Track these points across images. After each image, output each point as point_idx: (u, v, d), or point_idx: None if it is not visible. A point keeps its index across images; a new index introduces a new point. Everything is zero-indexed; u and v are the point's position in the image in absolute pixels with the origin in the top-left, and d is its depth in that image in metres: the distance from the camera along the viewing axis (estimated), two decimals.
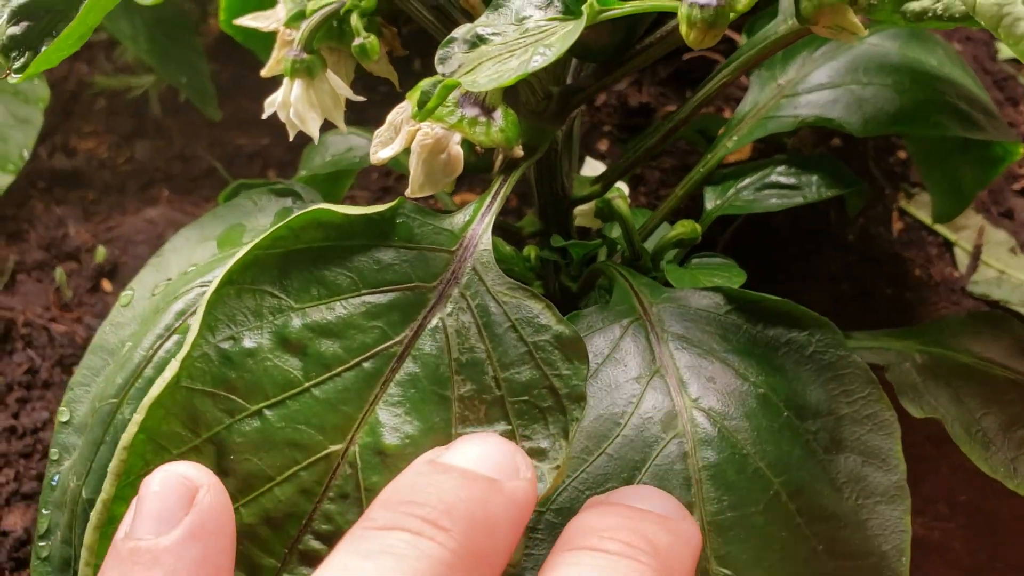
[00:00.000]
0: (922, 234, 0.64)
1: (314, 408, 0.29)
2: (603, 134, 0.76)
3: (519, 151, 0.38)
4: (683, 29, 0.32)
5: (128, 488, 0.27)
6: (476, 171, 0.37)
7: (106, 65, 0.90)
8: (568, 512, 0.31)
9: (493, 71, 0.31)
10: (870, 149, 0.64)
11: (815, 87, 0.46)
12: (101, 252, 0.70)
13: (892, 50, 0.47)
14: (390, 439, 0.29)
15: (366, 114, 0.53)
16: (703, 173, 0.47)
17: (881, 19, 0.37)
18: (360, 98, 0.39)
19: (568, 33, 0.31)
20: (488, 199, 0.35)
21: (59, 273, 0.69)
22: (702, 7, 0.31)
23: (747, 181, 0.48)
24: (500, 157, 0.37)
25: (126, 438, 0.27)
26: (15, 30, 0.34)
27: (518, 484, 0.27)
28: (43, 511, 0.39)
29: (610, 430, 0.33)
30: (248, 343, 0.29)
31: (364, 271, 0.31)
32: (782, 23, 0.41)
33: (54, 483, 0.39)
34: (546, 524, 0.32)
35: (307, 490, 0.28)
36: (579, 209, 0.49)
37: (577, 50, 0.39)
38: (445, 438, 0.29)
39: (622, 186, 0.48)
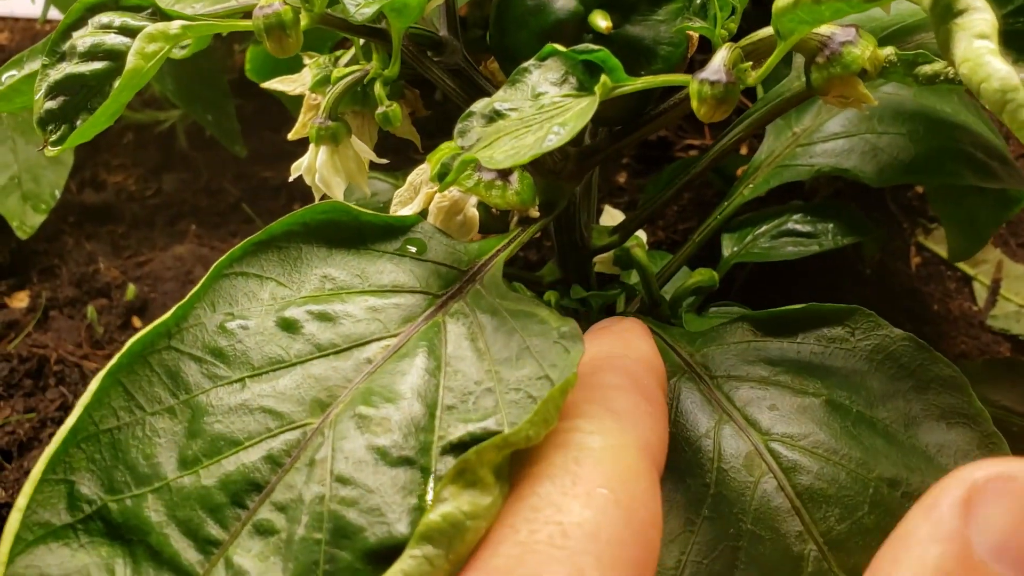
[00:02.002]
0: (940, 268, 0.64)
1: (298, 383, 0.28)
2: (622, 167, 0.77)
3: (535, 212, 0.39)
4: (694, 104, 0.32)
5: (85, 442, 0.26)
6: (493, 231, 0.38)
7: (134, 99, 0.92)
8: None
9: (510, 147, 0.32)
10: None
11: (830, 136, 0.47)
12: (131, 290, 0.72)
13: (907, 98, 0.47)
14: (370, 413, 0.28)
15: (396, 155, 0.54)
16: (720, 220, 0.48)
17: (895, 80, 0.37)
18: (384, 160, 0.40)
19: (582, 111, 0.31)
20: (505, 241, 0.36)
21: (90, 311, 0.71)
22: (712, 84, 0.32)
23: (763, 228, 0.48)
24: (515, 218, 0.38)
25: (95, 383, 0.27)
26: (52, 104, 0.35)
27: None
28: None
29: (702, 493, 0.33)
30: (246, 321, 0.29)
31: (373, 272, 0.32)
32: (795, 79, 0.42)
33: None
34: None
35: (274, 458, 0.27)
36: (598, 256, 0.50)
37: (593, 118, 0.40)
38: (428, 421, 0.28)
39: (641, 234, 0.48)
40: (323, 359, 0.29)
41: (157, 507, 0.26)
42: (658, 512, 0.25)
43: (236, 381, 0.28)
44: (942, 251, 0.64)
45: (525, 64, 0.34)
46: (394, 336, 0.30)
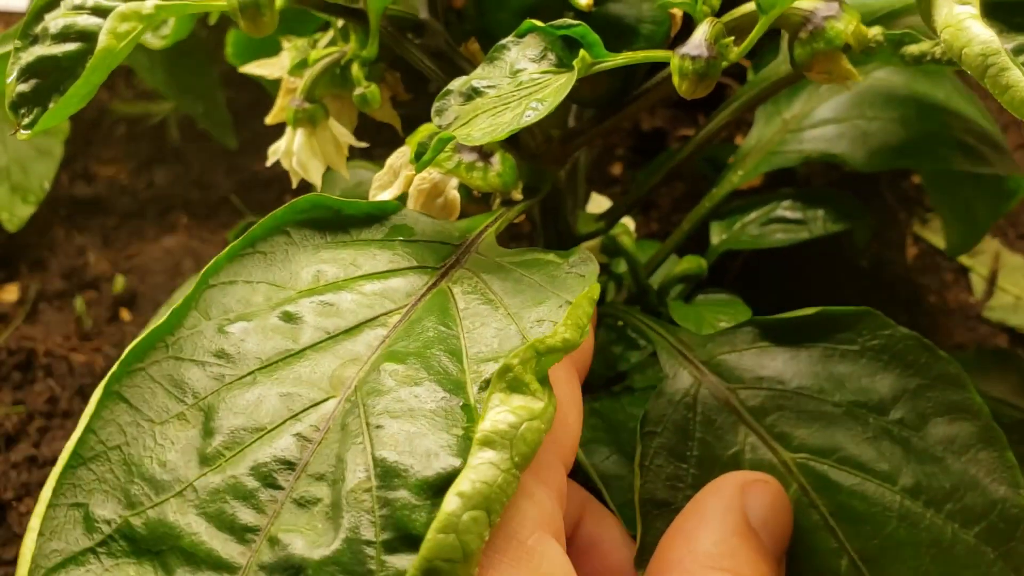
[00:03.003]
0: (937, 259, 0.63)
1: (313, 366, 0.27)
2: (616, 158, 0.76)
3: (517, 194, 0.38)
4: (675, 80, 0.32)
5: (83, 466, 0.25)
6: (475, 214, 0.38)
7: (126, 92, 0.91)
8: None
9: (487, 124, 0.31)
10: (884, 174, 0.64)
11: (820, 122, 0.46)
12: (120, 281, 0.71)
13: (899, 84, 0.47)
14: (395, 368, 0.27)
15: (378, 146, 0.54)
16: (709, 208, 0.47)
17: (881, 61, 0.37)
18: (363, 144, 0.40)
19: (560, 87, 0.31)
20: (492, 218, 0.35)
21: (79, 303, 0.70)
22: (694, 59, 0.31)
23: (753, 215, 0.48)
24: (497, 200, 0.38)
25: (94, 400, 0.25)
26: (24, 87, 0.35)
27: None
28: None
29: None
30: (246, 322, 0.28)
31: (366, 260, 0.31)
32: (783, 63, 0.41)
33: None
34: None
35: (303, 435, 0.26)
36: (586, 245, 0.49)
37: (575, 97, 0.40)
38: (457, 366, 0.27)
39: (627, 221, 0.48)
40: (333, 341, 0.28)
41: (184, 509, 0.24)
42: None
43: (246, 376, 0.27)
44: (939, 241, 0.64)
45: (503, 41, 0.33)
46: (402, 308, 0.30)
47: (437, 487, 0.24)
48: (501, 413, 0.24)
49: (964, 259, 0.64)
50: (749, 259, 0.60)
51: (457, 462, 0.24)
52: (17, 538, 0.59)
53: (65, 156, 0.78)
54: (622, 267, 0.50)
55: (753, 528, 0.31)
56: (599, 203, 0.48)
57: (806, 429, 0.34)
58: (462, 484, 0.23)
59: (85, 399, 0.67)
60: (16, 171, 0.72)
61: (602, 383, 0.49)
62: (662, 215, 0.66)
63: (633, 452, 0.37)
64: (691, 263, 0.46)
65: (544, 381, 0.25)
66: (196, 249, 0.74)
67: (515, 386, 0.24)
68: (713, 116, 0.42)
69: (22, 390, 0.67)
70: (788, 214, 0.47)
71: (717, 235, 0.48)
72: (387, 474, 0.24)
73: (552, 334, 0.25)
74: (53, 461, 0.63)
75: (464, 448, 0.24)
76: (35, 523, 0.24)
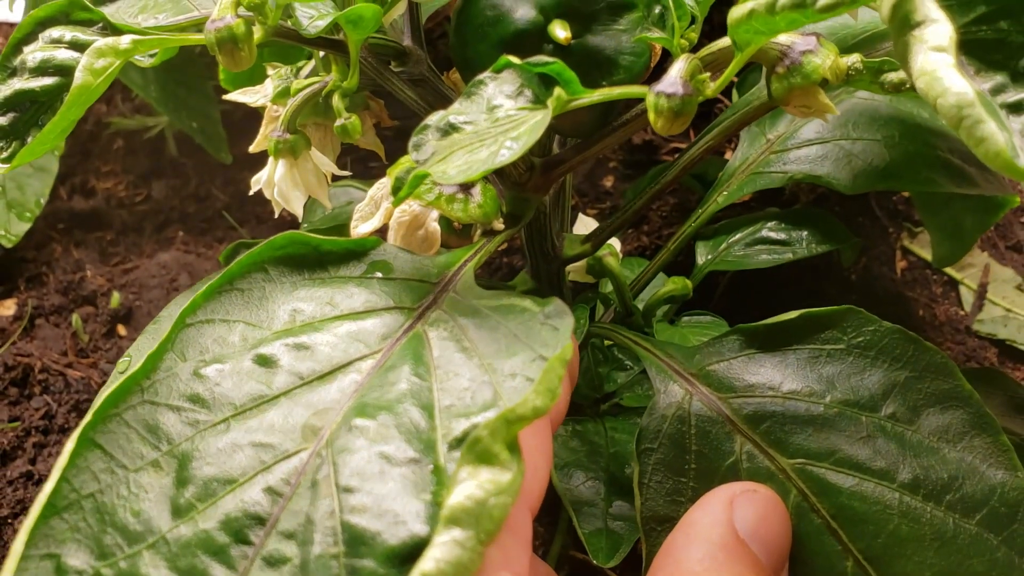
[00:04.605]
0: (926, 272, 0.63)
1: (286, 414, 0.28)
2: (609, 171, 0.76)
3: (499, 224, 0.39)
4: (651, 117, 0.32)
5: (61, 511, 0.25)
6: (455, 247, 0.38)
7: (123, 105, 0.92)
8: None
9: (463, 162, 0.31)
10: None
11: (804, 142, 0.46)
12: (116, 298, 0.72)
13: (882, 103, 0.47)
14: (366, 424, 0.27)
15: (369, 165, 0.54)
16: (694, 228, 0.48)
17: (861, 88, 0.37)
18: (346, 173, 0.40)
19: (535, 125, 0.31)
20: (471, 252, 0.35)
21: (75, 319, 0.71)
22: (668, 96, 0.31)
23: (738, 236, 0.48)
24: (478, 231, 0.38)
25: (68, 447, 0.26)
26: (2, 121, 0.35)
27: None
28: None
29: None
30: (221, 365, 0.29)
31: (343, 299, 0.31)
32: (764, 88, 0.41)
33: None
34: None
35: (273, 489, 0.26)
36: (572, 265, 0.49)
37: (556, 128, 0.40)
38: (428, 422, 0.27)
39: (614, 242, 0.48)
40: (306, 387, 0.28)
41: (156, 562, 0.25)
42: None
43: (220, 423, 0.27)
44: (928, 255, 0.64)
45: (480, 76, 0.34)
46: (376, 353, 0.30)
47: (403, 556, 0.24)
48: (469, 488, 0.24)
49: (954, 272, 0.64)
50: (735, 276, 0.61)
51: (424, 530, 0.24)
52: None
53: (63, 169, 0.78)
54: (609, 287, 0.50)
55: (742, 540, 0.31)
56: (586, 224, 0.48)
57: (801, 434, 0.35)
58: (426, 564, 0.23)
59: (81, 415, 0.67)
60: (12, 188, 0.72)
61: (589, 403, 0.49)
62: (652, 229, 0.67)
63: (613, 476, 0.37)
64: (676, 284, 0.46)
65: (513, 447, 0.25)
66: (191, 264, 0.74)
67: (484, 458, 0.24)
68: (698, 139, 0.42)
69: (18, 406, 0.67)
70: (773, 235, 0.47)
71: (702, 255, 0.49)
72: (354, 541, 0.24)
73: (523, 402, 0.25)
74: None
75: (432, 515, 0.25)
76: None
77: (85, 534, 0.25)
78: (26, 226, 0.72)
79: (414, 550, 0.24)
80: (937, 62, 0.26)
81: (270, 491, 0.26)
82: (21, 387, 0.68)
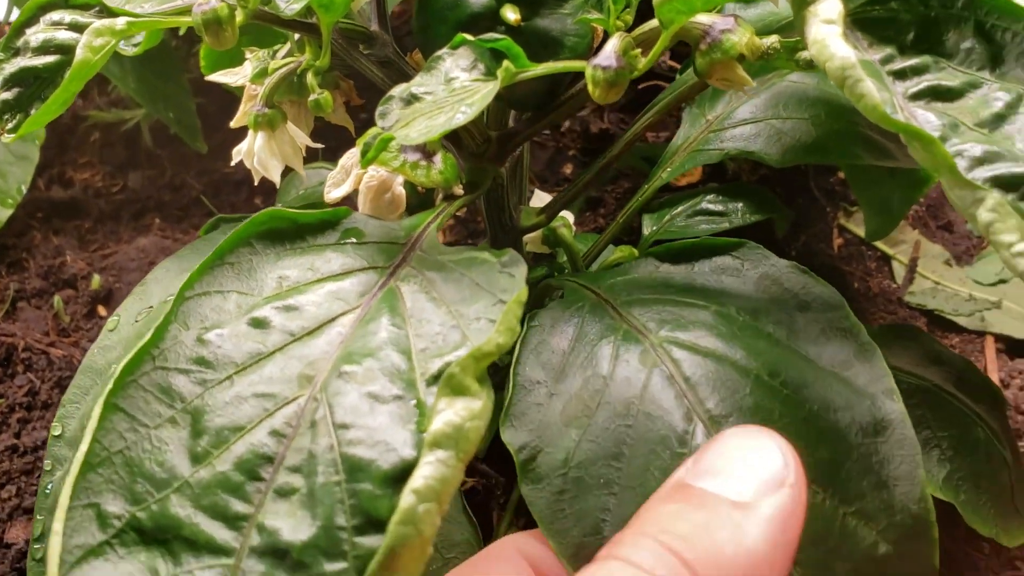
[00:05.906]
0: (861, 248, 0.68)
1: (282, 367, 0.31)
2: (568, 158, 0.80)
3: (459, 190, 0.43)
4: (589, 87, 0.36)
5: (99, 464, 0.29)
6: (420, 208, 0.42)
7: (100, 99, 0.95)
8: (588, 464, 0.35)
9: (424, 126, 0.35)
10: (811, 170, 0.68)
11: (739, 122, 0.51)
12: (96, 280, 0.75)
13: (811, 86, 0.51)
14: (353, 370, 0.31)
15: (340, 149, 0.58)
16: (641, 202, 0.52)
17: (779, 67, 0.41)
18: (319, 145, 0.44)
19: (487, 93, 0.35)
20: (434, 214, 0.39)
21: (57, 301, 0.74)
22: (604, 68, 0.35)
23: (680, 209, 0.52)
24: (440, 195, 0.42)
25: (96, 413, 0.29)
26: (7, 95, 0.39)
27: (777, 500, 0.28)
28: (38, 517, 0.43)
29: (599, 384, 0.37)
30: (220, 330, 0.32)
31: (322, 264, 0.35)
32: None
33: (48, 491, 0.43)
34: (573, 481, 0.35)
35: (277, 431, 0.29)
36: (529, 237, 0.53)
37: (509, 101, 0.44)
38: (408, 363, 0.31)
39: (567, 215, 0.52)
40: (298, 342, 0.32)
41: (182, 503, 0.29)
42: None
43: (224, 380, 0.31)
44: (862, 232, 0.68)
45: (439, 52, 0.38)
46: (356, 308, 0.33)
47: (396, 478, 0.28)
48: (447, 416, 0.28)
49: (887, 248, 0.69)
50: None
51: (412, 455, 0.28)
52: (1, 523, 0.63)
53: (42, 161, 0.81)
54: (563, 257, 0.54)
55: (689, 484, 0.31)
56: (542, 199, 0.52)
57: (673, 323, 0.38)
58: (416, 482, 0.27)
59: (63, 391, 0.70)
60: None
61: None
62: (608, 212, 0.71)
63: None
64: (623, 252, 0.51)
65: (483, 379, 0.29)
66: (169, 248, 0.78)
67: (458, 390, 0.28)
68: (641, 115, 0.46)
69: (3, 383, 0.70)
70: (711, 207, 0.51)
71: (648, 226, 0.53)
72: (353, 468, 0.28)
73: (488, 341, 0.29)
74: (33, 450, 0.66)
75: (417, 442, 0.28)
76: (58, 527, 0.28)
77: (118, 484, 0.29)
78: (8, 212, 0.75)
79: (404, 472, 0.28)
80: (827, 32, 0.31)
81: (275, 433, 0.29)
82: (5, 366, 0.71)
